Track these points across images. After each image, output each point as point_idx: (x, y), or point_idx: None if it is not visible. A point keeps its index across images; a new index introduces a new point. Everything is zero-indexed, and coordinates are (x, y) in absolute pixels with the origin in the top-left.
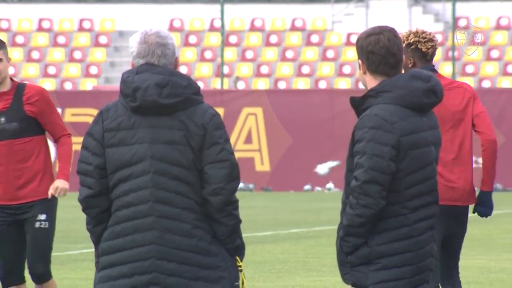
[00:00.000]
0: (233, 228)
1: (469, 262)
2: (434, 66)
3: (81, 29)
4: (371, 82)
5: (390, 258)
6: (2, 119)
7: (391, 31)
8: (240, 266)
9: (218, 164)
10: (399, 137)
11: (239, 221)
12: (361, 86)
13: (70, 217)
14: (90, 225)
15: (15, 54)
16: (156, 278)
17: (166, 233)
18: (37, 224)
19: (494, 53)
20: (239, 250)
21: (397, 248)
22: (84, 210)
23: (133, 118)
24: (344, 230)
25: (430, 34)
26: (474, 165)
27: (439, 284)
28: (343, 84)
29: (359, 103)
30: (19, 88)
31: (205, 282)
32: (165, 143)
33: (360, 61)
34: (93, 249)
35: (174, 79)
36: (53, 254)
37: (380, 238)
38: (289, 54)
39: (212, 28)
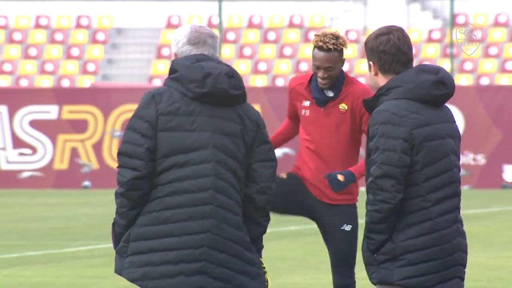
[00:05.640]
0: (265, 229)
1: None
2: None
3: (78, 26)
4: (383, 82)
5: (415, 253)
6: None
7: (400, 30)
8: (264, 268)
9: (267, 163)
10: (411, 130)
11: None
12: None
13: (68, 215)
14: (125, 208)
15: (12, 51)
16: (206, 267)
17: (222, 223)
18: None
19: (493, 50)
20: (261, 251)
21: (422, 243)
22: (126, 192)
23: (192, 105)
24: (366, 227)
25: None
26: (472, 163)
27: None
28: None
29: (372, 103)
30: None
31: (246, 277)
32: (224, 134)
33: (371, 62)
34: (90, 247)
35: (236, 72)
36: (51, 251)
37: (405, 233)
38: (287, 51)
39: (209, 25)
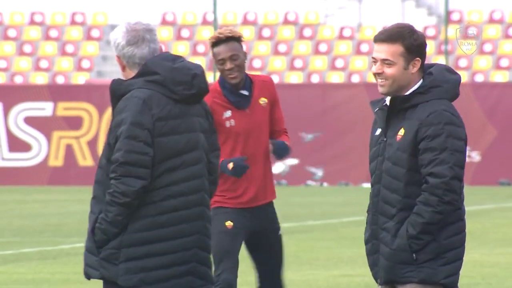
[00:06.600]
0: None
1: None
2: None
3: (73, 22)
4: (417, 78)
5: (451, 252)
6: None
7: None
8: None
9: (217, 152)
10: (464, 131)
11: None
12: (354, 79)
13: (62, 212)
14: (122, 216)
15: (7, 47)
16: (194, 267)
17: (207, 222)
18: None
19: (487, 47)
20: None
21: (456, 242)
22: (132, 201)
23: (177, 107)
24: (420, 228)
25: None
26: (467, 160)
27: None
28: (336, 78)
29: (404, 101)
30: None
31: (211, 272)
32: (202, 132)
33: (417, 58)
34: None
35: None
36: (46, 248)
37: (445, 232)
38: (282, 48)
39: (204, 22)
